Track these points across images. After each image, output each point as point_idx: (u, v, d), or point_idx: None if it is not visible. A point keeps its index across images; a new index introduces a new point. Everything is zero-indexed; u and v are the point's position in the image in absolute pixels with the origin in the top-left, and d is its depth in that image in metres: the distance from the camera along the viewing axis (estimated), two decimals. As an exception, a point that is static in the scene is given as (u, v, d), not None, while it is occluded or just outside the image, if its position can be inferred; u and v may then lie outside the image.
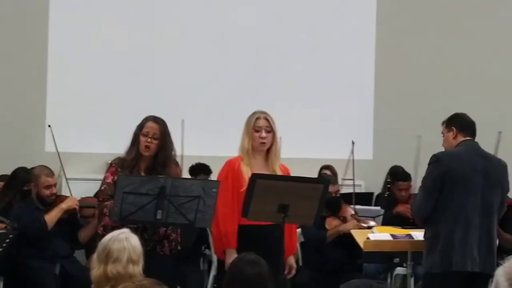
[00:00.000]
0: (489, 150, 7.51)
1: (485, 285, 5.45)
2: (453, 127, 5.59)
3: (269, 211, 5.12)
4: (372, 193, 8.82)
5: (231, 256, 5.36)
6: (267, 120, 5.57)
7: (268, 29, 9.52)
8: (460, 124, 5.61)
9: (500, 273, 3.02)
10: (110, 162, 5.84)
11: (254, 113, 5.63)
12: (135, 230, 5.31)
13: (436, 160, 5.47)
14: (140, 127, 5.65)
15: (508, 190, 5.77)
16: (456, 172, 5.38)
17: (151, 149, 5.56)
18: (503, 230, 7.45)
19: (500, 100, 9.54)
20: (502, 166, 5.63)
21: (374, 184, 9.03)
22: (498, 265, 3.05)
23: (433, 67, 9.68)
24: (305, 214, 5.23)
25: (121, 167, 5.60)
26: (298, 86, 9.52)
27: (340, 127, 9.41)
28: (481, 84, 9.65)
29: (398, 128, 9.45)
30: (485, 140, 7.75)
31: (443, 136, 5.67)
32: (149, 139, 5.56)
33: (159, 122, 5.65)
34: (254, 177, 5.14)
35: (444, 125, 5.66)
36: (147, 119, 5.68)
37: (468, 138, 5.58)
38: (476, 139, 7.59)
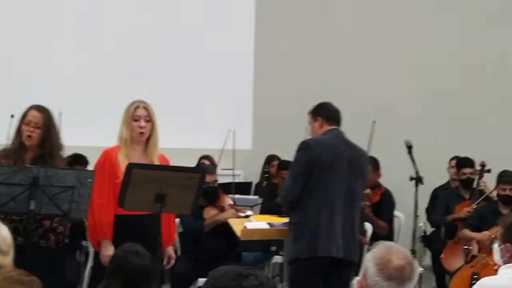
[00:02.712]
0: (364, 138, 7.71)
1: (347, 270, 5.60)
2: (318, 117, 5.70)
3: (146, 201, 5.11)
4: (251, 182, 8.90)
5: (106, 247, 5.35)
6: (146, 109, 5.51)
7: (145, 19, 9.48)
8: (325, 113, 5.72)
9: (368, 259, 3.11)
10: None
11: (133, 102, 5.56)
12: (19, 222, 5.24)
13: (305, 147, 5.57)
14: (23, 116, 5.49)
15: (366, 178, 5.95)
16: (324, 159, 5.49)
17: (33, 138, 5.41)
18: (377, 217, 7.66)
19: (374, 89, 9.77)
20: (365, 156, 5.83)
21: (253, 173, 9.12)
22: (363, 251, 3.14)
23: (310, 57, 9.83)
24: (182, 203, 5.24)
25: (5, 158, 5.45)
26: (177, 76, 9.51)
27: (219, 117, 9.45)
28: (356, 72, 9.85)
29: (276, 118, 9.56)
30: (359, 129, 7.97)
31: (310, 126, 5.77)
32: (31, 128, 5.41)
33: (42, 110, 5.50)
34: (130, 166, 5.11)
35: (310, 115, 5.76)
36: (30, 108, 5.52)
37: (333, 127, 5.68)
38: (351, 128, 7.78)
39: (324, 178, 5.47)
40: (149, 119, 5.50)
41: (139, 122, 5.47)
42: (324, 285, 5.52)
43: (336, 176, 5.50)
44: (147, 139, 5.52)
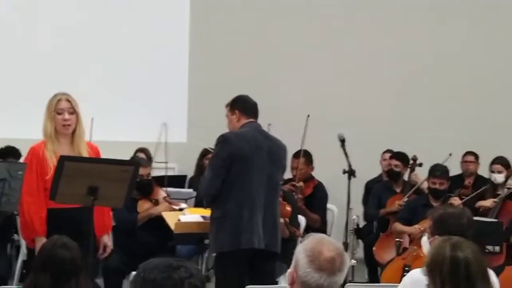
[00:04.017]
0: (298, 132, 7.78)
1: (271, 262, 5.66)
2: (236, 110, 5.72)
3: (78, 194, 5.08)
4: (185, 176, 8.88)
5: (41, 243, 5.25)
6: (69, 101, 5.43)
7: (78, 11, 9.41)
8: (242, 107, 5.74)
9: (299, 250, 3.13)
10: None
11: (55, 95, 5.48)
12: None
13: (223, 140, 5.60)
14: None
15: (285, 170, 6.03)
16: (243, 152, 5.53)
17: None
18: (310, 210, 7.73)
19: (308, 84, 9.82)
20: (283, 147, 5.85)
21: (188, 166, 9.10)
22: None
23: (245, 51, 9.84)
24: (115, 196, 5.22)
25: None
26: (112, 68, 9.43)
27: (155, 110, 9.40)
28: (290, 67, 9.90)
29: (212, 111, 9.53)
30: (294, 123, 8.03)
31: (228, 119, 5.79)
32: None
33: None
34: (62, 159, 5.06)
35: (228, 107, 5.78)
36: None
37: (251, 119, 5.71)
38: (286, 122, 7.84)
39: (244, 171, 5.52)
40: (73, 111, 5.42)
41: (63, 115, 5.39)
42: (249, 277, 5.55)
43: (256, 168, 5.55)
44: (73, 131, 5.45)
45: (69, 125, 5.40)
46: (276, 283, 5.97)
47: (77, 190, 5.04)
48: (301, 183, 7.74)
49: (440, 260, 3.40)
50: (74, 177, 5.02)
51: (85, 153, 5.43)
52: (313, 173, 8.09)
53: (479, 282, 3.38)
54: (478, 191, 7.92)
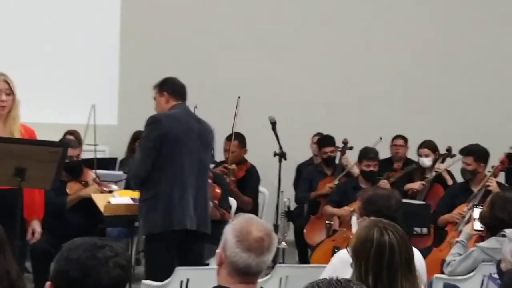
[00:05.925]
0: (229, 114, 7.76)
1: (200, 242, 5.67)
2: (164, 92, 5.70)
3: (5, 175, 5.01)
4: (116, 158, 8.80)
5: None
6: (7, 82, 5.36)
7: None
8: (171, 88, 5.72)
9: (228, 231, 3.13)
10: None
11: None
12: None
13: (154, 121, 5.57)
14: None
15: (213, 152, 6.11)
16: (174, 133, 5.52)
17: None
18: (242, 192, 7.75)
19: (239, 66, 9.80)
20: (211, 130, 5.89)
21: (119, 149, 9.02)
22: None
23: (178, 32, 9.78)
24: (43, 177, 5.17)
25: None
26: (41, 49, 9.28)
27: (85, 92, 9.29)
28: (221, 49, 9.87)
29: (143, 94, 9.44)
30: (225, 105, 8.02)
31: (155, 100, 5.76)
32: None
33: None
34: (-13, 140, 4.97)
35: (156, 89, 5.76)
36: None
37: (179, 101, 5.70)
38: (218, 104, 7.81)
39: (175, 152, 5.50)
40: (10, 92, 5.35)
41: (0, 96, 5.31)
42: (179, 258, 5.54)
43: (187, 150, 5.54)
44: (8, 112, 5.37)
45: (4, 106, 5.32)
46: (205, 264, 5.97)
47: (3, 171, 4.98)
48: (233, 166, 7.74)
49: (368, 245, 3.28)
50: (0, 158, 4.94)
51: (17, 135, 5.36)
52: (245, 156, 8.09)
53: (401, 271, 3.26)
54: (405, 171, 8.07)
